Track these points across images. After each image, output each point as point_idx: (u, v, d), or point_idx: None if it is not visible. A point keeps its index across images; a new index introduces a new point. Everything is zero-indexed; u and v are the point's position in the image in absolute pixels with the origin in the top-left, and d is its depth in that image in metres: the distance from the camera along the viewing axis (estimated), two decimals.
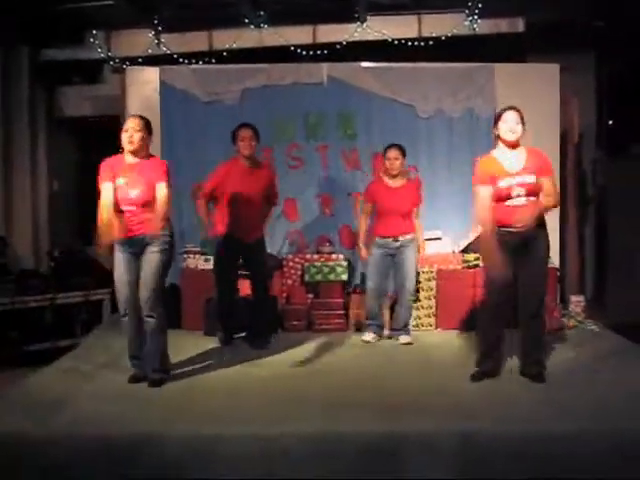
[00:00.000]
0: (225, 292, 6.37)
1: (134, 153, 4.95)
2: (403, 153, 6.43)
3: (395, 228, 6.37)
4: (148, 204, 4.90)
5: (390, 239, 6.38)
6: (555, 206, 5.13)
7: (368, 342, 6.47)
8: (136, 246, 4.93)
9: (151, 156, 5.09)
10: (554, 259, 7.38)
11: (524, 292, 5.04)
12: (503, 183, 4.91)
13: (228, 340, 6.43)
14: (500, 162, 5.00)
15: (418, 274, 6.72)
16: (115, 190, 4.87)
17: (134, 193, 4.88)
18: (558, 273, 7.32)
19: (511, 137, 4.97)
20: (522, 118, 5.02)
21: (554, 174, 5.13)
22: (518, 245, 4.95)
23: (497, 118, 5.08)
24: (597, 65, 9.09)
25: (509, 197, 4.91)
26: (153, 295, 4.90)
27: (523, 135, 5.02)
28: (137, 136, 4.90)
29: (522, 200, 4.90)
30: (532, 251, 4.99)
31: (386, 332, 6.66)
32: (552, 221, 7.41)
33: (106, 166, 4.95)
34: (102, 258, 5.09)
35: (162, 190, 4.90)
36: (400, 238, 6.37)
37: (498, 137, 5.07)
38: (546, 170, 4.99)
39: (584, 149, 8.87)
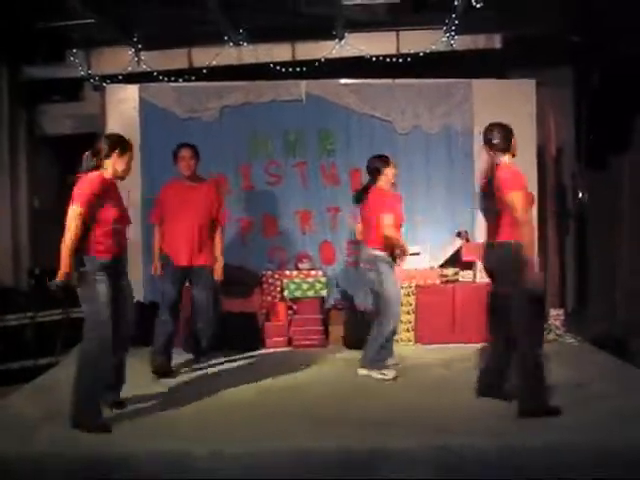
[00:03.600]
0: (165, 321, 6.20)
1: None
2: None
3: (366, 237, 6.10)
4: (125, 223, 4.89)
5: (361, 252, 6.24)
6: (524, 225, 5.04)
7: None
8: (117, 267, 4.74)
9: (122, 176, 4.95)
10: None
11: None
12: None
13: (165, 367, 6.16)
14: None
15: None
16: (105, 209, 4.62)
17: (124, 211, 4.84)
18: None
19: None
20: None
21: (515, 192, 4.97)
22: (491, 262, 5.06)
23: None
24: (575, 80, 9.14)
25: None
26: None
27: None
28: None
29: (493, 217, 4.98)
30: (502, 274, 4.95)
31: None
32: None
33: (99, 189, 4.62)
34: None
35: None
36: (365, 252, 6.07)
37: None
38: (506, 186, 4.89)
39: (563, 163, 8.92)
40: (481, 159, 5.66)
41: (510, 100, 7.65)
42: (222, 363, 6.45)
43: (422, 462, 4.07)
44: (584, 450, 4.10)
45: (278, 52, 8.41)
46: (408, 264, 7.26)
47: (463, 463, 4.07)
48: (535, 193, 7.61)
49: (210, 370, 6.21)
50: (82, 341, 4.66)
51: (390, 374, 5.86)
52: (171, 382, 5.74)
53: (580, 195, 8.86)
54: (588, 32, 8.25)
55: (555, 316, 7.47)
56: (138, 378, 5.46)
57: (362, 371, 6.01)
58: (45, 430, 4.48)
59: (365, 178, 6.37)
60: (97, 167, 4.68)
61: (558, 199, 8.23)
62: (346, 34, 8.25)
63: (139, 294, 7.14)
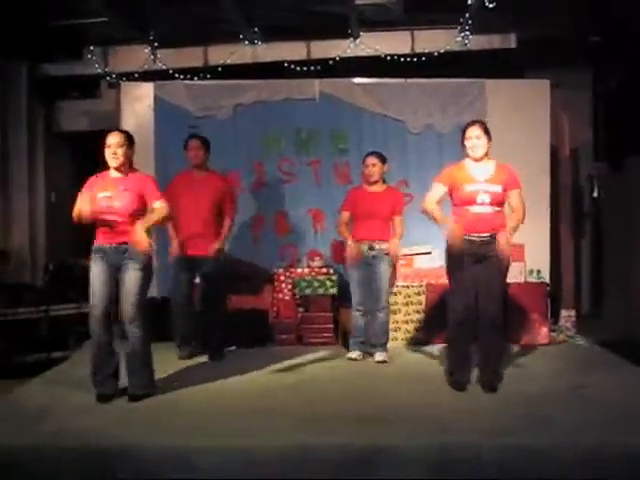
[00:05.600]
0: (178, 312, 6.42)
1: (118, 168, 5.01)
2: (382, 160, 6.41)
3: (370, 232, 6.31)
4: (132, 216, 4.95)
5: (365, 246, 6.33)
6: (520, 221, 5.15)
7: (354, 359, 6.42)
8: (115, 256, 4.94)
9: (134, 170, 5.14)
10: (544, 274, 7.42)
11: (482, 302, 5.11)
12: (469, 187, 5.07)
13: (185, 355, 6.44)
14: (468, 170, 5.16)
15: (392, 290, 6.66)
16: (96, 202, 4.89)
17: (118, 204, 4.92)
18: (548, 288, 7.32)
19: (475, 153, 5.13)
20: (485, 129, 5.15)
21: (521, 189, 5.18)
22: (478, 255, 5.07)
23: (462, 133, 5.22)
24: (594, 80, 9.09)
25: (473, 202, 5.05)
26: (137, 312, 4.95)
27: (489, 145, 5.15)
28: (120, 151, 4.95)
29: (486, 208, 5.04)
30: (491, 262, 5.07)
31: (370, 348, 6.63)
32: (543, 236, 7.54)
33: (90, 183, 5.01)
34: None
35: (161, 205, 5.02)
36: (376, 246, 6.30)
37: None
38: (513, 183, 5.14)
39: (581, 164, 8.89)
40: None
41: (524, 100, 7.67)
42: (229, 359, 6.48)
43: (421, 461, 4.06)
44: (578, 452, 4.07)
45: (293, 51, 8.46)
46: (418, 263, 7.32)
47: (462, 462, 4.06)
48: (547, 193, 7.62)
49: (215, 365, 6.24)
50: None
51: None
52: (177, 376, 5.78)
53: (596, 196, 8.82)
54: (606, 33, 8.22)
55: (566, 317, 7.45)
56: None
57: (380, 356, 6.35)
58: (47, 423, 4.51)
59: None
60: None
61: (574, 200, 8.19)
62: (361, 33, 8.28)
63: (151, 289, 7.20)
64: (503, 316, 5.22)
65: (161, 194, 5.08)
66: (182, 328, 6.46)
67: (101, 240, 4.99)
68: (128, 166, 5.06)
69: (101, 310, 4.94)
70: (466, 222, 5.05)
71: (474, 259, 5.08)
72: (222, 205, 6.38)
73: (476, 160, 5.14)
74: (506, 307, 5.33)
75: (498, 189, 5.06)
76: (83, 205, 4.87)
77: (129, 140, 5.06)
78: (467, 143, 5.14)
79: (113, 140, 4.98)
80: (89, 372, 5.08)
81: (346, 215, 6.50)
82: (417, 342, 7.05)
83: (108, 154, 4.98)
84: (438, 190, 5.22)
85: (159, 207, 5.00)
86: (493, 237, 5.04)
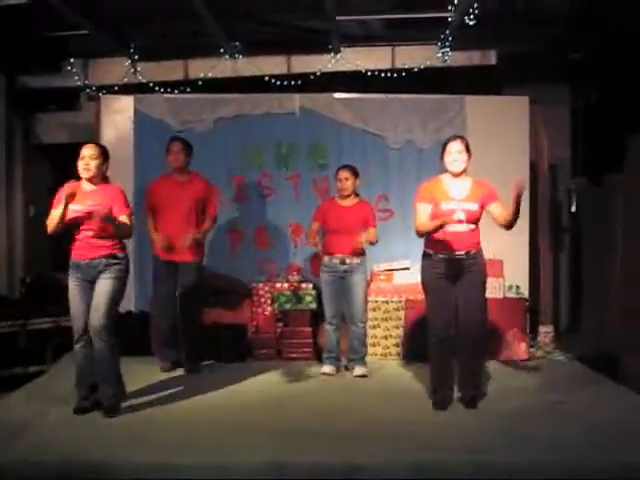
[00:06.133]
0: (161, 316, 6.45)
1: (90, 180, 5.03)
2: (355, 174, 6.44)
3: (342, 247, 6.31)
4: (105, 230, 4.96)
5: (337, 260, 6.34)
6: (510, 219, 5.12)
7: (329, 374, 6.41)
8: (90, 271, 4.97)
9: (105, 182, 5.14)
10: (523, 289, 7.44)
11: (463, 317, 5.13)
12: (446, 206, 5.07)
13: (169, 364, 6.46)
14: (445, 186, 5.15)
15: (366, 302, 6.65)
16: (70, 215, 4.91)
17: (89, 219, 4.93)
18: (527, 303, 7.34)
19: (455, 168, 5.13)
20: (467, 146, 5.16)
21: (501, 199, 5.19)
22: (456, 272, 5.09)
23: (443, 148, 5.21)
24: (572, 96, 9.17)
25: (449, 221, 5.02)
26: (107, 322, 4.93)
27: (469, 162, 5.16)
28: (93, 164, 4.98)
29: (462, 227, 5.06)
30: (470, 277, 5.11)
31: (343, 362, 6.63)
32: (522, 252, 7.56)
33: (61, 192, 4.95)
34: None
35: (125, 221, 5.04)
36: (347, 260, 6.32)
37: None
38: (491, 197, 5.15)
39: (559, 179, 8.94)
40: None
41: (503, 117, 7.69)
42: (207, 373, 6.47)
43: (398, 478, 4.07)
44: (555, 469, 4.09)
45: (274, 65, 8.47)
46: (398, 279, 7.32)
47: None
48: (527, 208, 7.64)
49: (193, 380, 6.20)
50: None
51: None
52: (155, 389, 5.75)
53: (574, 211, 8.87)
54: (584, 49, 8.29)
55: (544, 333, 7.47)
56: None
57: (360, 370, 6.37)
58: (24, 438, 4.49)
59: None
60: None
61: (552, 215, 8.23)
62: (342, 48, 8.31)
63: (130, 303, 7.18)
64: (484, 331, 5.24)
65: (129, 209, 5.13)
66: (164, 329, 6.47)
67: (75, 255, 5.03)
68: (100, 179, 5.07)
69: (81, 325, 5.00)
70: (441, 240, 5.07)
71: (450, 277, 5.10)
72: (204, 208, 6.37)
73: (454, 175, 5.14)
74: (485, 322, 5.35)
75: (474, 207, 5.08)
76: (55, 215, 4.90)
77: (103, 154, 5.08)
78: (447, 158, 5.14)
79: (87, 152, 5.01)
80: (69, 386, 5.14)
81: (316, 225, 6.53)
82: (397, 357, 7.04)
83: (81, 165, 5.01)
84: (426, 210, 5.16)
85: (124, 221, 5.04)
86: (468, 254, 5.07)
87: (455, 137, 5.24)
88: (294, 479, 4.05)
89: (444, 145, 5.22)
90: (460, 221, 5.03)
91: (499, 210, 5.12)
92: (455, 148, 5.12)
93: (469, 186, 5.16)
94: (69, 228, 4.98)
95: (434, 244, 5.12)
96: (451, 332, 5.15)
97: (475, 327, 5.12)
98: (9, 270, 8.75)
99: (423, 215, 5.16)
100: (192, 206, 6.27)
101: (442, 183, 5.19)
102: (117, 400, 5.07)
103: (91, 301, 4.97)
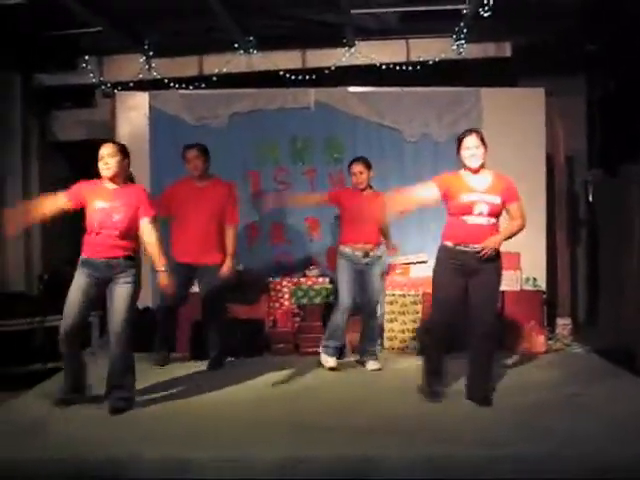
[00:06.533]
0: (166, 312, 6.49)
1: (113, 180, 5.00)
2: (368, 166, 6.36)
3: (360, 236, 6.24)
4: (128, 231, 4.97)
5: (360, 253, 6.25)
6: (521, 229, 5.14)
7: (334, 368, 6.35)
8: (103, 270, 4.92)
9: (130, 181, 5.15)
10: (540, 282, 7.41)
11: (474, 314, 5.06)
12: (466, 197, 4.99)
13: (161, 361, 6.49)
14: (466, 179, 5.07)
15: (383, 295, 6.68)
16: (94, 212, 4.92)
17: (116, 218, 4.93)
18: (544, 295, 7.32)
19: (474, 163, 5.04)
20: (482, 139, 5.07)
21: (521, 200, 5.15)
22: (471, 266, 5.00)
23: (458, 144, 5.12)
24: (588, 88, 9.11)
25: (470, 212, 4.97)
26: (129, 329, 4.94)
27: (485, 155, 5.07)
28: (112, 161, 4.95)
29: (483, 220, 4.97)
30: (484, 273, 5.02)
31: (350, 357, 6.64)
32: (539, 244, 7.53)
33: (79, 187, 5.00)
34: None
35: (148, 226, 5.05)
36: (370, 253, 6.26)
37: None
38: (512, 195, 5.08)
39: (575, 171, 8.89)
40: None
41: (519, 109, 7.67)
42: (224, 368, 6.47)
43: (417, 472, 4.05)
44: (571, 462, 4.06)
45: (288, 60, 8.44)
46: (415, 272, 7.31)
47: (459, 473, 4.05)
48: (544, 200, 7.62)
49: (210, 375, 6.22)
50: None
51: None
52: (171, 385, 5.77)
53: (592, 203, 8.82)
54: (600, 41, 8.24)
55: (562, 325, 7.44)
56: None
57: (374, 364, 6.35)
58: (41, 435, 4.51)
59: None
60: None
61: (569, 207, 8.19)
62: (357, 42, 8.29)
63: (147, 300, 7.20)
64: (497, 327, 5.21)
65: (155, 210, 5.12)
66: (164, 329, 6.53)
67: (90, 253, 4.96)
68: (122, 177, 5.06)
69: (70, 323, 4.92)
70: (461, 232, 5.02)
71: (466, 271, 5.02)
72: (224, 212, 6.34)
73: (474, 172, 5.06)
74: (500, 317, 5.33)
75: (497, 200, 4.99)
76: (51, 203, 4.95)
77: (121, 151, 5.04)
78: (465, 153, 5.04)
79: (105, 151, 4.98)
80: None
81: (323, 198, 6.69)
82: (414, 351, 7.03)
83: (101, 165, 4.98)
84: (428, 190, 5.12)
85: (146, 227, 5.04)
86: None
87: (470, 131, 5.13)
88: (309, 473, 4.04)
89: (459, 140, 5.11)
90: (480, 214, 4.97)
91: (515, 214, 5.09)
92: (472, 143, 5.02)
93: (490, 179, 5.06)
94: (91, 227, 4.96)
95: (453, 235, 5.05)
96: (451, 332, 5.14)
97: (488, 323, 5.05)
98: (27, 267, 8.80)
99: (418, 189, 5.21)
100: (213, 212, 6.25)
101: (462, 177, 5.09)
102: (128, 404, 5.04)
103: (93, 303, 4.99)
